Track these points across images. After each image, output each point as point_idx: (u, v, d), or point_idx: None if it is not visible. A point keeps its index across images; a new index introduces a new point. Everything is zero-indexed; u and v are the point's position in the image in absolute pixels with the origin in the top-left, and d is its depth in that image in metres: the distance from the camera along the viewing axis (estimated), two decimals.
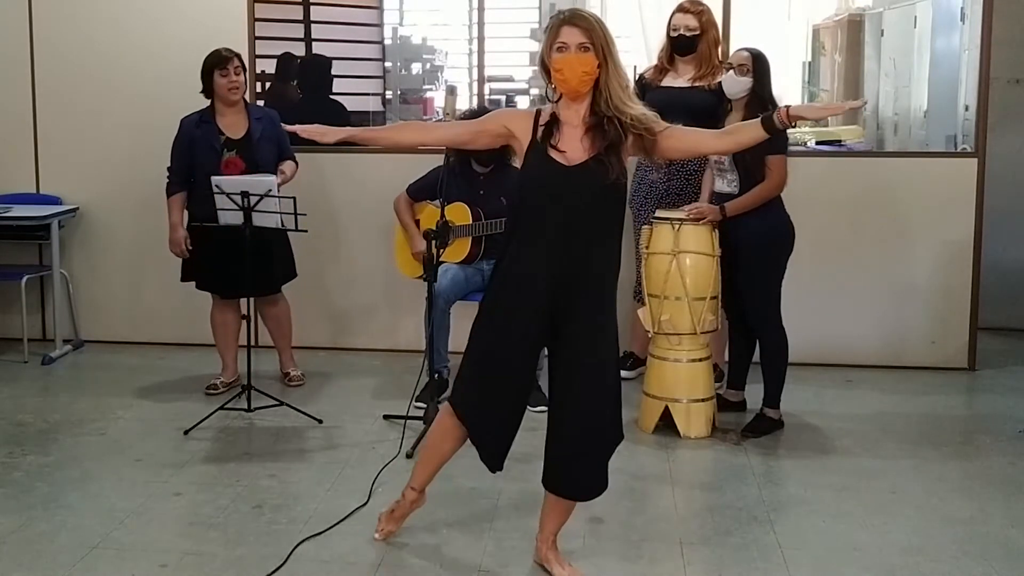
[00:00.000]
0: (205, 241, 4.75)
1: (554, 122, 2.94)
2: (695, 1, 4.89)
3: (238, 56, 4.80)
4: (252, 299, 4.81)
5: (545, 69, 2.94)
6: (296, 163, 4.97)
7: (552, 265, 2.92)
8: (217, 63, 4.73)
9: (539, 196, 2.94)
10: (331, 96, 6.14)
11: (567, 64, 2.86)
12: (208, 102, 4.81)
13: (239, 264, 4.53)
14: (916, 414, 4.76)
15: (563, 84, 2.89)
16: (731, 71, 4.33)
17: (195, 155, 4.76)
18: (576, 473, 3.03)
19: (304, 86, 6.19)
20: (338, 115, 6.07)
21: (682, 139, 3.00)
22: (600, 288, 2.97)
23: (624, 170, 2.93)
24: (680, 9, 4.90)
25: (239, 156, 4.75)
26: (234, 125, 4.80)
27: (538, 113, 2.99)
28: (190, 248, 4.82)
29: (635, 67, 6.71)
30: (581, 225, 2.91)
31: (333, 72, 6.29)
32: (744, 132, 3.04)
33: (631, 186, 5.13)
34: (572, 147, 2.91)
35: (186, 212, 4.84)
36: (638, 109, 2.91)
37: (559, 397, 3.00)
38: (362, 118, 6.54)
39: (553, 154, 2.90)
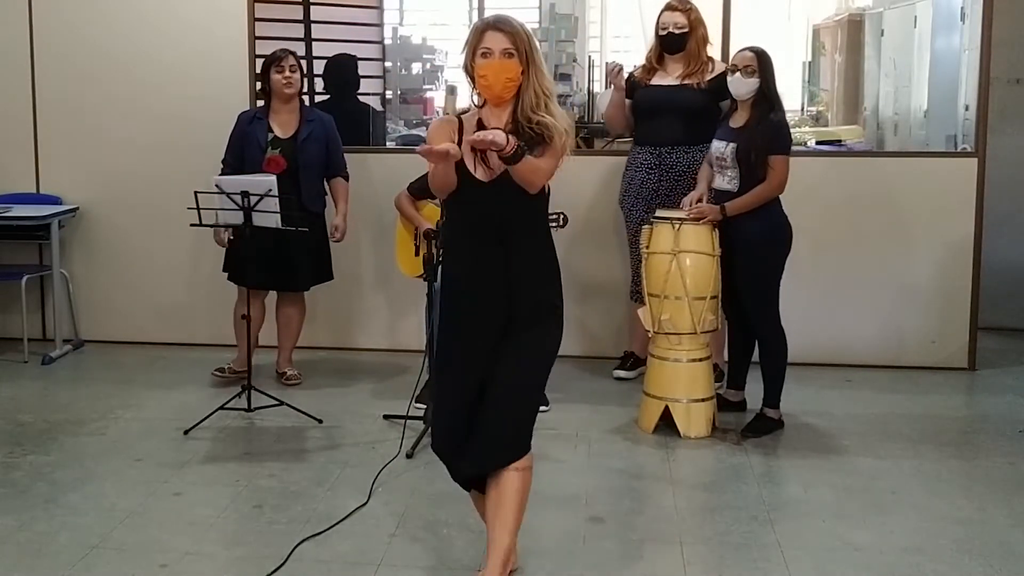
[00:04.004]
0: (242, 235, 4.76)
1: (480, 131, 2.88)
2: None
3: (294, 55, 4.94)
4: (251, 295, 4.81)
5: (469, 75, 2.90)
6: (347, 179, 5.06)
7: (480, 271, 2.91)
8: (273, 60, 4.89)
9: (459, 209, 2.93)
10: (358, 96, 6.15)
11: (491, 70, 2.82)
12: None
13: (259, 259, 4.64)
14: (916, 414, 4.76)
15: (487, 90, 2.86)
16: (737, 73, 4.32)
17: (245, 151, 4.87)
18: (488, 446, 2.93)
19: (329, 86, 6.18)
20: (364, 116, 6.08)
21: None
22: (533, 286, 2.93)
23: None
24: (668, 7, 4.91)
25: (282, 154, 4.83)
26: (286, 124, 4.92)
27: (460, 122, 2.94)
28: (231, 238, 4.83)
29: (634, 67, 6.70)
30: (504, 234, 2.88)
31: (358, 72, 6.28)
32: None
33: (621, 185, 5.14)
34: (494, 157, 2.86)
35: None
36: (548, 118, 2.84)
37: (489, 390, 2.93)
38: None
39: (473, 168, 2.87)
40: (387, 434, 4.38)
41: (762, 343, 4.48)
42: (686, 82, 4.88)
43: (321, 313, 5.71)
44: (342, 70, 6.12)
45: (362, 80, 6.38)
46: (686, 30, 4.86)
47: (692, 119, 4.85)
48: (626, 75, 5.03)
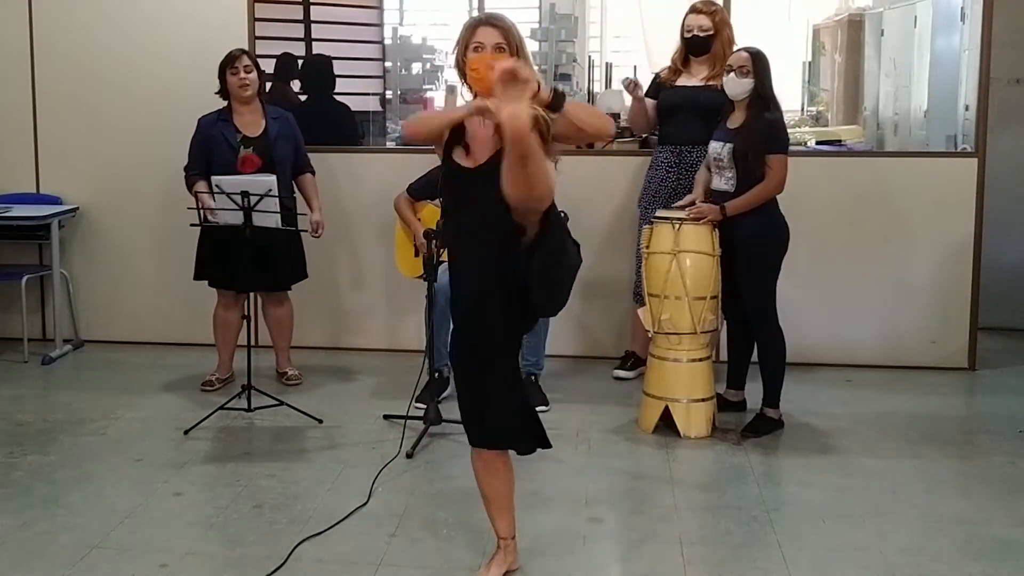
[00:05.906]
0: (218, 238, 4.76)
1: (466, 124, 2.92)
2: (708, 1, 4.91)
3: (249, 54, 4.89)
4: (255, 298, 4.81)
5: (461, 70, 2.94)
6: (313, 173, 5.05)
7: (467, 264, 2.94)
8: (227, 62, 4.83)
9: (447, 197, 3.00)
10: (335, 96, 6.13)
11: (483, 64, 2.85)
12: (224, 104, 4.88)
13: (248, 262, 4.58)
14: (916, 414, 4.75)
15: (478, 83, 2.88)
16: (731, 73, 4.33)
17: (212, 153, 4.82)
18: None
19: (307, 87, 6.17)
20: (343, 116, 6.07)
21: (565, 116, 2.85)
22: (501, 286, 2.89)
23: None
24: (693, 10, 4.92)
25: (256, 153, 4.81)
26: (251, 124, 4.87)
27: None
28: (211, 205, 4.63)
29: (635, 67, 6.72)
30: (488, 222, 2.87)
31: (333, 72, 6.27)
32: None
33: (642, 184, 5.14)
34: (482, 147, 2.89)
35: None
36: (540, 111, 2.81)
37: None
38: (362, 118, 6.54)
39: (458, 157, 2.91)
40: (387, 434, 4.38)
41: (761, 343, 4.48)
42: (711, 83, 4.87)
43: (321, 313, 5.71)
44: (318, 70, 6.11)
45: (362, 80, 6.38)
46: (711, 32, 4.87)
47: (714, 119, 4.84)
48: (643, 91, 5.04)
